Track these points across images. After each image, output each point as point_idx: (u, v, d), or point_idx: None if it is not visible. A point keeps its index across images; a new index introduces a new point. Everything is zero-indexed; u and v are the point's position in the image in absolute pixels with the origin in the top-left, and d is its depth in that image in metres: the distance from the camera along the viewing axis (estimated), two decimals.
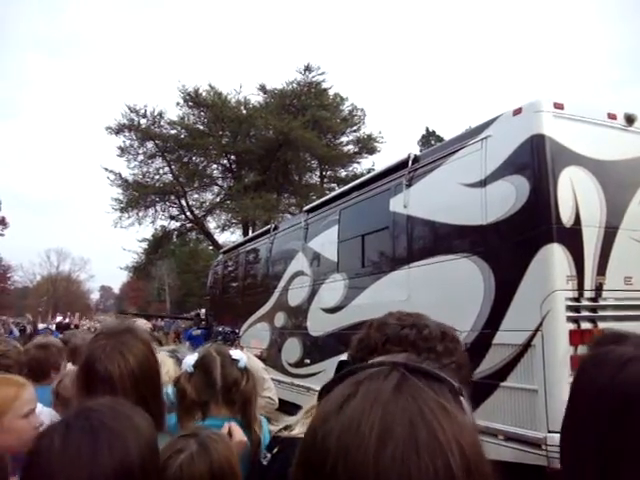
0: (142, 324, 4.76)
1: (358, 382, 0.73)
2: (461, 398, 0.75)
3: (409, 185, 7.22)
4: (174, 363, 3.29)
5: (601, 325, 5.21)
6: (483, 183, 5.98)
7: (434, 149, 7.61)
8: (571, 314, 5.14)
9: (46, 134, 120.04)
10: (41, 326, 18.57)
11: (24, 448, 1.99)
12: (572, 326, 5.12)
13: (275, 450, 2.11)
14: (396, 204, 7.40)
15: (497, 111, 6.21)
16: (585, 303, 5.24)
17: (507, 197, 5.65)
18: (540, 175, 5.41)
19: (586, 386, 1.18)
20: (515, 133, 5.75)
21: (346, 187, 9.70)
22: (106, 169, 31.31)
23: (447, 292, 6.30)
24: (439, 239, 6.75)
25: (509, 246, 5.71)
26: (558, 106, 5.64)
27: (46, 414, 2.93)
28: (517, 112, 5.80)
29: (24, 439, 2.10)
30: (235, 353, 2.64)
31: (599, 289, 5.31)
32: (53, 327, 16.48)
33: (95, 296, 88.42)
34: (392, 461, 0.63)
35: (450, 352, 1.40)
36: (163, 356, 3.16)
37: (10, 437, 2.05)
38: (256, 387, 2.62)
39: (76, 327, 14.95)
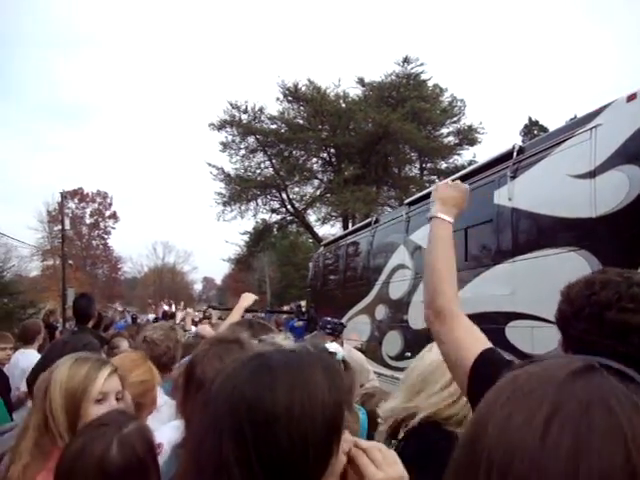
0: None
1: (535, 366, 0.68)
2: None
3: (514, 177, 7.05)
4: None
5: None
6: (592, 174, 5.74)
7: (539, 139, 7.38)
8: None
9: (150, 132, 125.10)
10: (151, 317, 19.46)
11: None
12: None
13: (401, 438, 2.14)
14: (500, 196, 7.24)
15: (604, 99, 5.96)
16: None
17: (619, 188, 5.41)
18: None
19: None
20: (629, 120, 5.47)
21: (448, 179, 9.55)
22: (209, 164, 32.42)
23: (553, 287, 6.06)
24: (545, 232, 6.55)
25: (621, 240, 5.46)
26: None
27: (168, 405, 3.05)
28: (631, 98, 5.53)
29: None
30: (331, 346, 2.66)
31: None
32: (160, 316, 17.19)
33: (198, 287, 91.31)
34: (559, 436, 0.58)
35: None
36: None
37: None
38: (354, 379, 2.63)
39: (172, 317, 15.25)
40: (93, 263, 67.15)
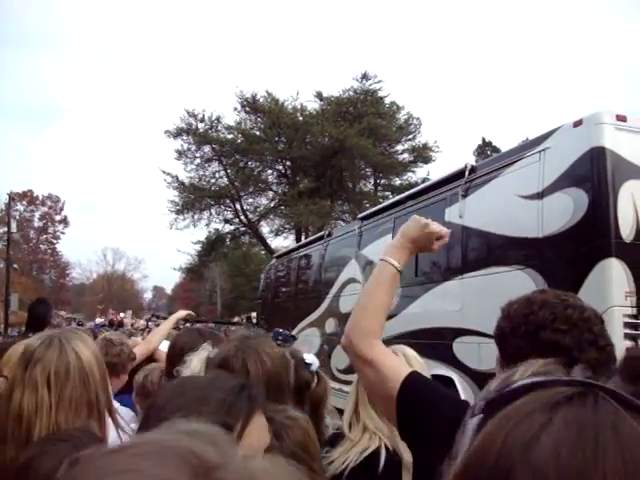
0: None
1: (553, 405, 0.60)
2: None
3: (465, 195, 7.18)
4: None
5: None
6: (540, 195, 5.91)
7: (491, 160, 7.57)
8: (629, 331, 5.02)
9: (105, 137, 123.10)
10: (98, 320, 19.20)
11: None
12: (630, 344, 4.99)
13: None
14: (452, 214, 7.36)
15: (556, 123, 6.14)
16: None
17: (565, 210, 5.57)
18: (599, 188, 5.33)
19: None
20: (575, 145, 5.66)
21: (401, 196, 9.69)
22: (163, 171, 32.07)
23: (501, 304, 6.21)
24: (494, 250, 6.70)
25: (565, 259, 5.62)
26: (620, 118, 5.54)
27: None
28: (577, 124, 5.72)
29: None
30: (308, 357, 2.68)
31: None
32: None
33: (148, 295, 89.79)
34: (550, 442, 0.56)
35: (604, 335, 1.48)
36: None
37: None
38: (327, 390, 2.66)
39: (120, 325, 15.11)
40: (40, 268, 65.39)
